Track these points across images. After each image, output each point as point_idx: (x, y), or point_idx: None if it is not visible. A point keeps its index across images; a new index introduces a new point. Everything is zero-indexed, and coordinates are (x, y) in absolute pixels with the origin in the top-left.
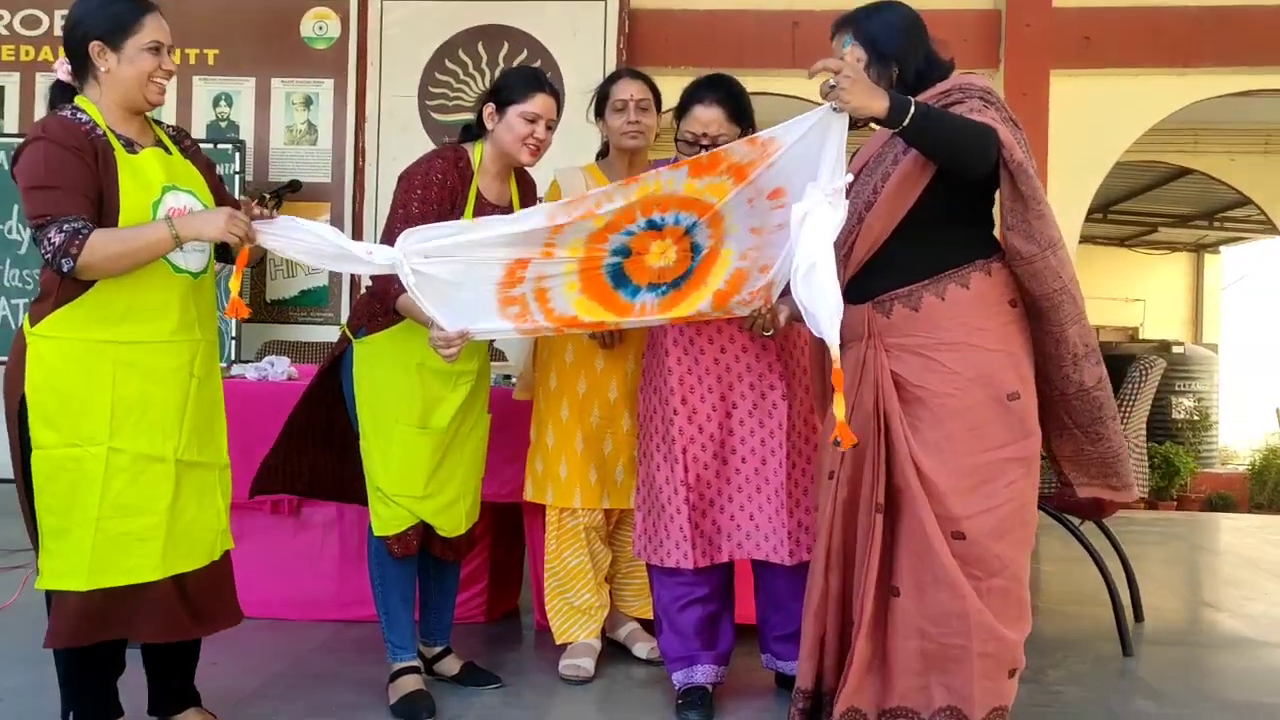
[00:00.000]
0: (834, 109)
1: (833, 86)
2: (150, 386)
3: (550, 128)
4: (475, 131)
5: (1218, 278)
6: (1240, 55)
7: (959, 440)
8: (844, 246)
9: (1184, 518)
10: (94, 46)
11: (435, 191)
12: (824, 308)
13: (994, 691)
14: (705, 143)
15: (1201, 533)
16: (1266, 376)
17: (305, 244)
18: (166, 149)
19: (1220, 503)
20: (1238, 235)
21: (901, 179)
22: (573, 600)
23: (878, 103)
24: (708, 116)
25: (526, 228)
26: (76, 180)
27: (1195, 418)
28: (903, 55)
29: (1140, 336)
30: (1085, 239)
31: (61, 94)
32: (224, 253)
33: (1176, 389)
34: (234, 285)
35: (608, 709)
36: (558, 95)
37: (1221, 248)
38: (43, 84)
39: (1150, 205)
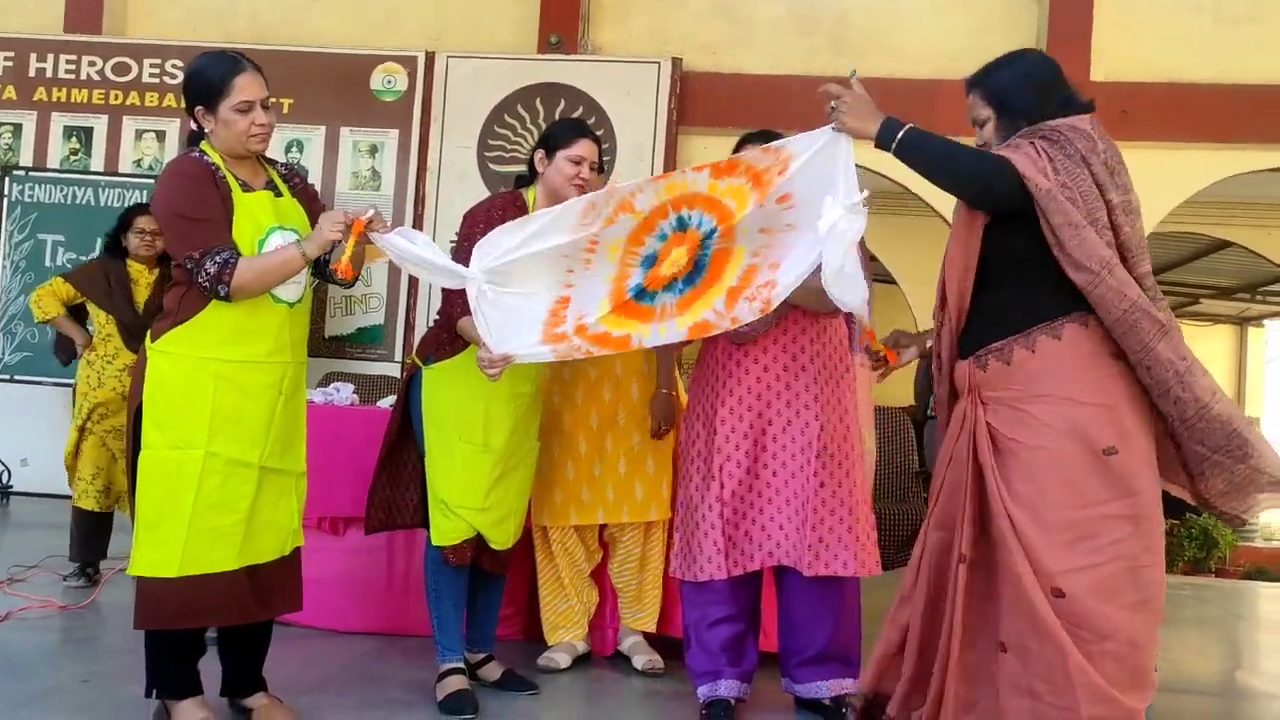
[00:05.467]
0: (834, 129)
1: (832, 109)
2: (244, 400)
3: (593, 169)
4: (528, 178)
5: (1261, 351)
6: (1274, 132)
7: (1053, 494)
8: (938, 296)
9: (1214, 583)
10: (197, 111)
11: (496, 223)
12: (855, 298)
13: None
14: None
15: (1230, 598)
16: None
17: (408, 252)
18: (277, 190)
19: (1259, 577)
20: None
21: (958, 225)
22: (558, 607)
23: (869, 125)
24: None
25: (576, 211)
26: (218, 214)
27: None
28: (1030, 109)
29: None
30: None
31: (192, 139)
32: (321, 272)
33: None
34: (348, 250)
35: (635, 716)
36: (599, 141)
37: (1265, 321)
38: (129, 126)
39: (1191, 276)
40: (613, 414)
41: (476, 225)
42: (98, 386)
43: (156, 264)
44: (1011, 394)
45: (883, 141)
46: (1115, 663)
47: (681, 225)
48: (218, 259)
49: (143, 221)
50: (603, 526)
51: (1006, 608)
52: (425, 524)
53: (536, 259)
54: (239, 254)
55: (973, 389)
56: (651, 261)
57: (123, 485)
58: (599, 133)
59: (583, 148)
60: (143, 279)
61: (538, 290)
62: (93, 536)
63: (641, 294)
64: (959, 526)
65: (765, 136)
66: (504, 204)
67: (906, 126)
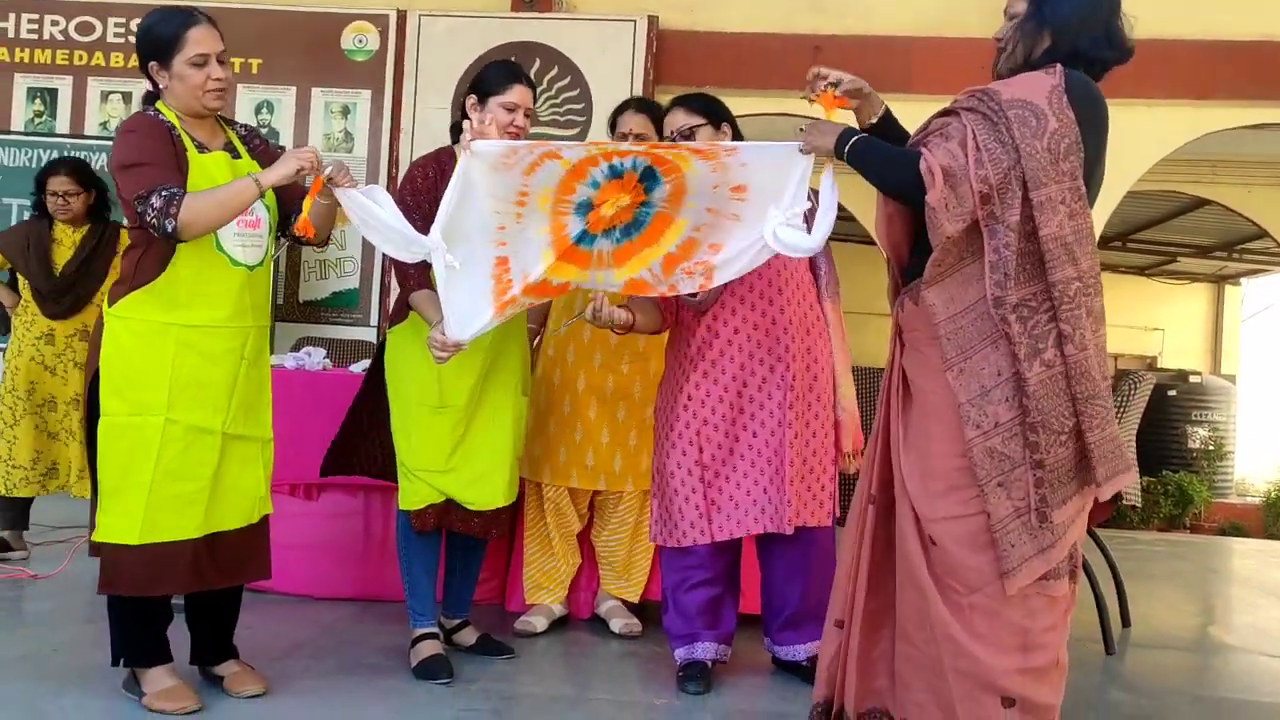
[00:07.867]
0: (801, 149)
1: (802, 130)
2: (205, 365)
3: (529, 116)
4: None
5: (1237, 309)
6: (1253, 89)
7: (936, 441)
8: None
9: (1188, 538)
10: (151, 66)
11: (419, 183)
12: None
13: (980, 718)
14: (679, 138)
15: (1204, 553)
16: None
17: (370, 213)
18: (235, 151)
19: (1233, 532)
20: (1257, 267)
21: None
22: (543, 566)
23: (827, 141)
24: (671, 119)
25: (495, 153)
26: (168, 158)
27: (1210, 448)
28: (1064, 27)
29: (1159, 365)
30: (1105, 267)
31: (148, 99)
32: (293, 235)
33: (1192, 418)
34: (306, 207)
35: (612, 677)
36: (534, 87)
37: (1242, 279)
38: (94, 88)
39: (1170, 235)
40: (629, 385)
41: (404, 185)
42: (18, 355)
43: (86, 221)
44: (917, 335)
45: (837, 150)
46: (986, 618)
47: (615, 172)
48: (164, 193)
49: (55, 183)
50: (595, 493)
51: (897, 552)
52: (390, 475)
53: (469, 212)
54: (185, 192)
55: (896, 330)
56: (587, 207)
57: (67, 461)
58: (574, 92)
59: (517, 94)
60: (66, 239)
61: (473, 254)
62: (18, 509)
63: (583, 237)
64: (866, 468)
65: (700, 100)
66: (427, 161)
67: (855, 139)
